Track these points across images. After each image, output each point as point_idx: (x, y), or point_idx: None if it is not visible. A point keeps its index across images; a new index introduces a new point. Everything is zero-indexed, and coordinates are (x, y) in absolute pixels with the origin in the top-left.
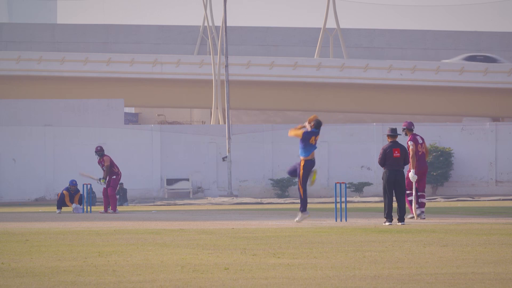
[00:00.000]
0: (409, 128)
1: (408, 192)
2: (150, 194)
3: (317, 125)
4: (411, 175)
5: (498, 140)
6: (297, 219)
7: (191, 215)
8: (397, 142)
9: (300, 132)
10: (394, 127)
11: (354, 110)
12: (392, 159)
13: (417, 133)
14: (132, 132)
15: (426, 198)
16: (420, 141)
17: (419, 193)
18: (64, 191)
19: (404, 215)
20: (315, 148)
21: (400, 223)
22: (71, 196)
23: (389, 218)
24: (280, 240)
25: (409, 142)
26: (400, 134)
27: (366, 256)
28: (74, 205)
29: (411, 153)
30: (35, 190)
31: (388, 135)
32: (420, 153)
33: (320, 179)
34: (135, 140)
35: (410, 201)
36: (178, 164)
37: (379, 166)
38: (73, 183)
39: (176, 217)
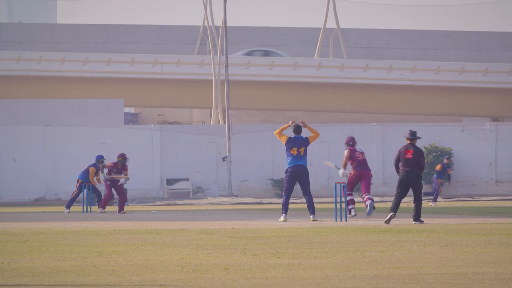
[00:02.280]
0: (347, 143)
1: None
2: (150, 194)
3: (296, 130)
4: (341, 171)
5: (498, 140)
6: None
7: (191, 215)
8: (412, 144)
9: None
10: (414, 130)
11: (354, 110)
12: (404, 160)
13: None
14: (132, 132)
15: (370, 197)
16: (359, 150)
17: (363, 195)
18: (91, 168)
19: (420, 216)
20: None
21: (414, 223)
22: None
23: (392, 210)
24: (280, 240)
25: (345, 151)
26: (420, 138)
27: (366, 256)
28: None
29: (344, 159)
30: (35, 190)
31: (407, 138)
32: (360, 158)
33: (320, 179)
34: (135, 140)
35: (351, 200)
36: (178, 164)
37: (379, 166)
38: (102, 157)
39: (176, 217)
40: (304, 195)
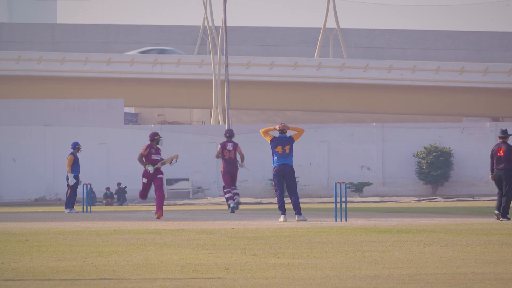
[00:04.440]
0: (225, 135)
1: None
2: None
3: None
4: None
5: (498, 140)
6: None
7: (191, 215)
8: (504, 142)
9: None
10: (504, 128)
11: (354, 110)
12: (496, 158)
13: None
14: (132, 132)
15: (236, 192)
16: (229, 147)
17: (229, 188)
18: (69, 156)
19: (507, 212)
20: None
21: (501, 218)
22: (76, 160)
23: (497, 209)
24: (280, 240)
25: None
26: (511, 135)
27: (366, 256)
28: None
29: (216, 154)
30: (35, 190)
31: (499, 137)
32: (226, 157)
33: (320, 179)
34: (135, 140)
35: (230, 197)
36: (178, 164)
37: (379, 166)
38: (78, 143)
39: (176, 217)
40: (290, 195)
